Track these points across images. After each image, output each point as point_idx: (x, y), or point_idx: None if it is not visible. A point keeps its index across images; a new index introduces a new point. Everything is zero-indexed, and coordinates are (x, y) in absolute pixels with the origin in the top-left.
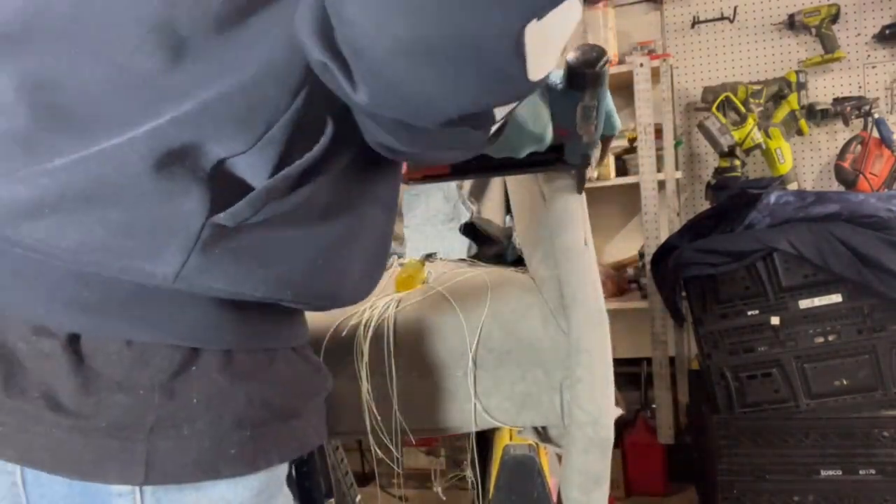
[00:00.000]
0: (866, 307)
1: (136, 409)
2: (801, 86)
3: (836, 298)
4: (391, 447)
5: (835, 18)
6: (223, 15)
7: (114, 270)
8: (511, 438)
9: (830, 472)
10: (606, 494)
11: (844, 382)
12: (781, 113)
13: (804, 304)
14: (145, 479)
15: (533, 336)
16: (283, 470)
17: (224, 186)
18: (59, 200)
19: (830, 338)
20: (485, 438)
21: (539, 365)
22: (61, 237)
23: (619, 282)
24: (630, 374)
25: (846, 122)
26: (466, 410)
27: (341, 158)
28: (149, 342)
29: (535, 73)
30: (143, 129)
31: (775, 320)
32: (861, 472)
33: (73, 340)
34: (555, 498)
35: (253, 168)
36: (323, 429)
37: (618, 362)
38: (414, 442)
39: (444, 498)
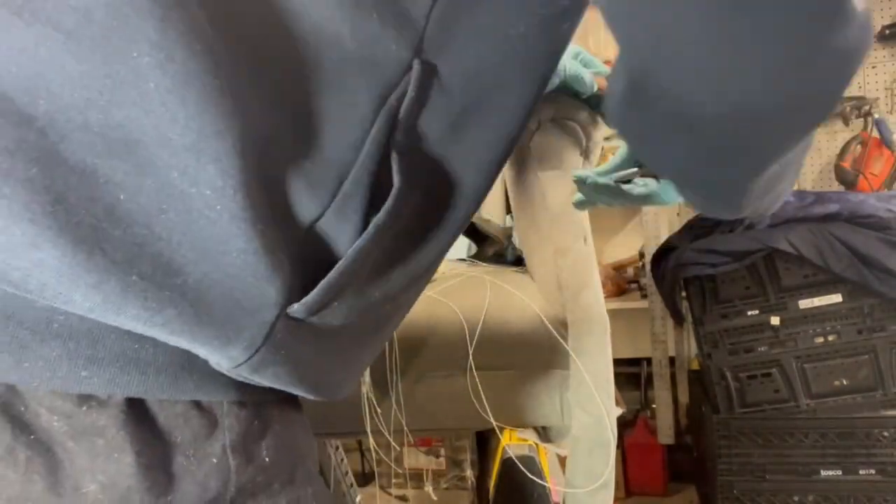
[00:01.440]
0: (866, 307)
1: (216, 481)
2: None
3: (836, 298)
4: (393, 445)
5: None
6: None
7: (172, 342)
8: (511, 438)
9: (830, 472)
10: (612, 495)
11: (844, 382)
12: None
13: (804, 304)
14: None
15: (533, 336)
16: None
17: (300, 266)
18: None
19: (830, 338)
20: (484, 438)
21: (539, 365)
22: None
23: (619, 282)
24: (630, 374)
25: (846, 122)
26: (467, 410)
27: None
28: (215, 401)
29: None
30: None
31: (775, 320)
32: (861, 472)
33: (133, 406)
34: (555, 498)
35: (333, 234)
36: None
37: (618, 362)
38: (414, 442)
39: (436, 498)
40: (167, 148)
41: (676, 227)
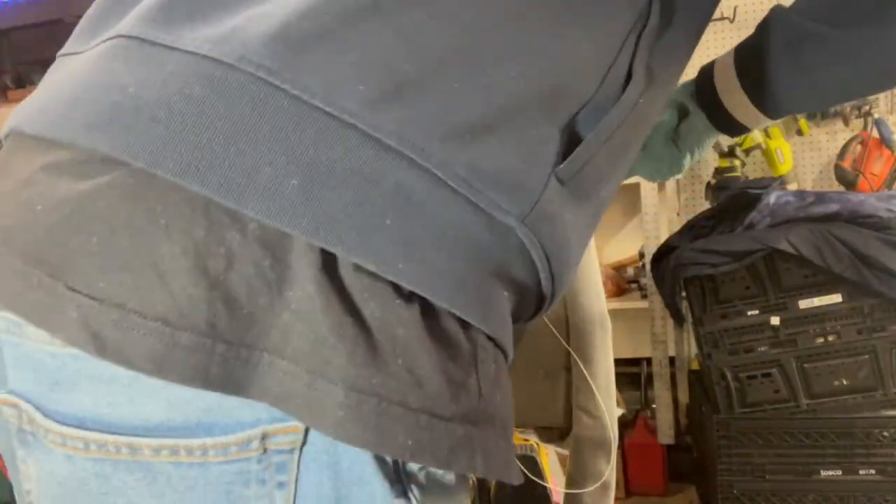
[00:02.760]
0: (866, 307)
1: (474, 401)
2: None
3: (836, 298)
4: None
5: None
6: None
7: (482, 200)
8: None
9: (830, 473)
10: (612, 495)
11: (844, 382)
12: None
13: (804, 304)
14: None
15: (533, 336)
16: None
17: (566, 138)
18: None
19: (830, 338)
20: None
21: (540, 365)
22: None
23: (619, 282)
24: (630, 374)
25: (846, 122)
26: None
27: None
28: (475, 330)
29: None
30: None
31: (775, 320)
32: (861, 472)
33: (428, 312)
34: (556, 498)
35: (590, 120)
36: None
37: (618, 362)
38: None
39: None
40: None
41: (676, 227)
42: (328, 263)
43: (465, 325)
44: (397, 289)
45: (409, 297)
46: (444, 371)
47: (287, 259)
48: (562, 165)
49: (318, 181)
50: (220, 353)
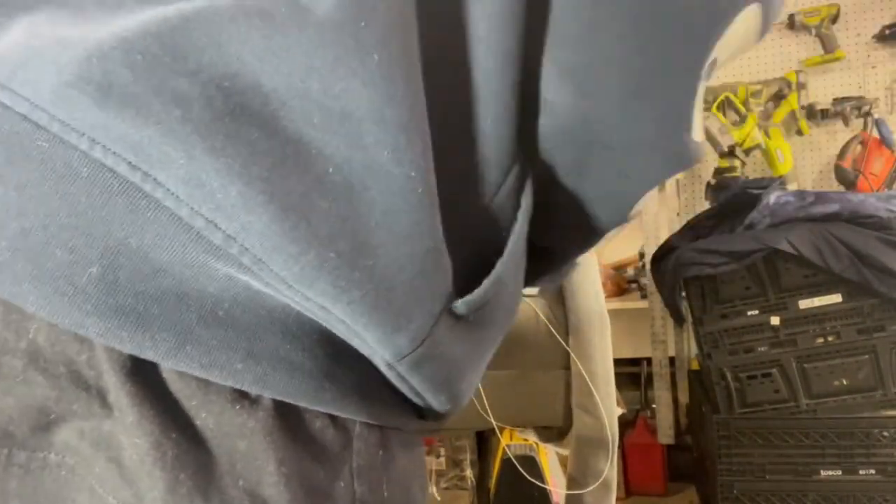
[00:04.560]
0: (866, 307)
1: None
2: (801, 86)
3: (836, 298)
4: None
5: (835, 18)
6: None
7: (344, 331)
8: (511, 438)
9: (830, 472)
10: (613, 494)
11: (844, 382)
12: (781, 113)
13: (804, 304)
14: None
15: (534, 337)
16: None
17: (463, 256)
18: None
19: (830, 338)
20: (484, 438)
21: (540, 365)
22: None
23: (619, 282)
24: (630, 374)
25: (846, 122)
26: (468, 410)
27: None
28: (349, 419)
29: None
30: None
31: (775, 320)
32: (861, 472)
33: (282, 413)
34: (555, 498)
35: (499, 218)
36: None
37: (618, 362)
38: None
39: (440, 498)
40: (380, 124)
41: (676, 227)
42: (142, 368)
43: (334, 416)
44: (239, 391)
45: (255, 398)
46: (303, 481)
47: (95, 359)
48: (459, 301)
49: (124, 270)
50: (18, 463)
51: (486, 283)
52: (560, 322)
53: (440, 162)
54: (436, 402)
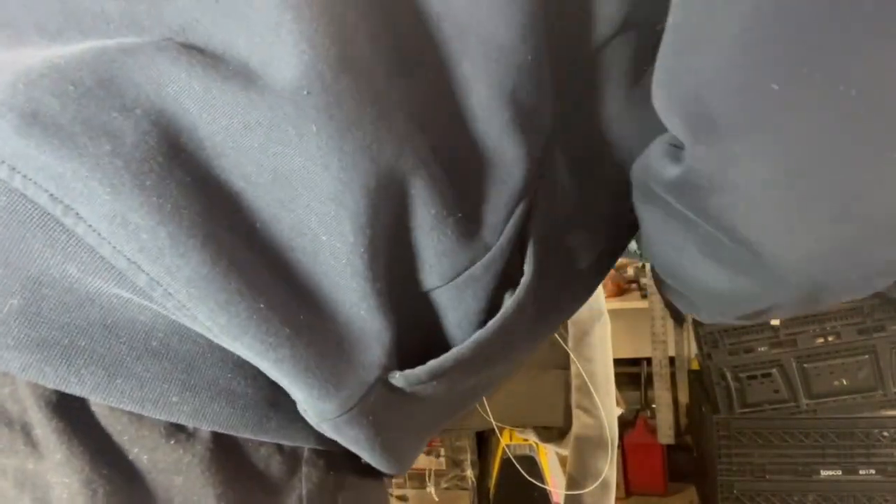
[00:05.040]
0: (866, 307)
1: None
2: None
3: None
4: None
5: None
6: None
7: (273, 377)
8: (511, 438)
9: (830, 472)
10: (613, 494)
11: (844, 382)
12: None
13: None
14: None
15: None
16: None
17: (406, 330)
18: None
19: (830, 338)
20: (484, 438)
21: (540, 365)
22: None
23: (619, 282)
24: (630, 374)
25: None
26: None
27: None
28: (296, 446)
29: None
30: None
31: (775, 320)
32: (861, 472)
33: (221, 445)
34: (556, 498)
35: (445, 309)
36: None
37: (618, 362)
38: None
39: (438, 499)
40: (312, 191)
41: None
42: (70, 402)
43: (280, 445)
44: (175, 425)
45: (192, 431)
46: None
47: (18, 393)
48: (398, 374)
49: (47, 301)
50: None
51: (431, 363)
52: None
53: (394, 239)
54: (369, 460)
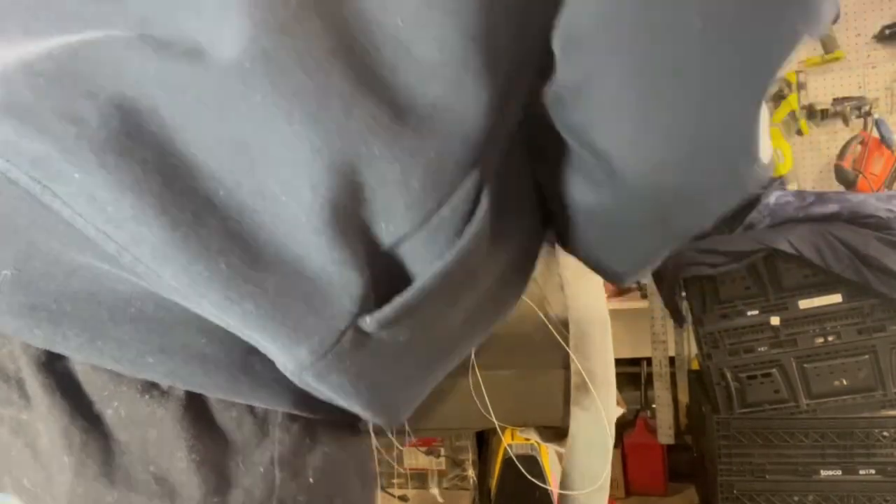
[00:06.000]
0: (866, 307)
1: (261, 492)
2: (801, 86)
3: (836, 298)
4: (396, 445)
5: (835, 18)
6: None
7: (244, 335)
8: (512, 438)
9: (830, 472)
10: (607, 494)
11: (844, 382)
12: (781, 113)
13: (804, 304)
14: None
15: (534, 336)
16: None
17: (377, 277)
18: None
19: (830, 338)
20: (485, 438)
21: (540, 365)
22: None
23: None
24: (630, 374)
25: (846, 122)
26: (469, 410)
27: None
28: (269, 409)
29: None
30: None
31: (775, 320)
32: (861, 472)
33: (194, 403)
34: (557, 498)
35: (415, 256)
36: None
37: (618, 362)
38: (414, 440)
39: (442, 500)
40: (267, 157)
41: None
42: (56, 360)
43: (252, 407)
44: (151, 382)
45: (166, 389)
46: (214, 467)
47: (14, 353)
48: (368, 318)
49: (37, 272)
50: None
51: (396, 301)
52: (561, 322)
53: (354, 194)
54: (359, 411)
